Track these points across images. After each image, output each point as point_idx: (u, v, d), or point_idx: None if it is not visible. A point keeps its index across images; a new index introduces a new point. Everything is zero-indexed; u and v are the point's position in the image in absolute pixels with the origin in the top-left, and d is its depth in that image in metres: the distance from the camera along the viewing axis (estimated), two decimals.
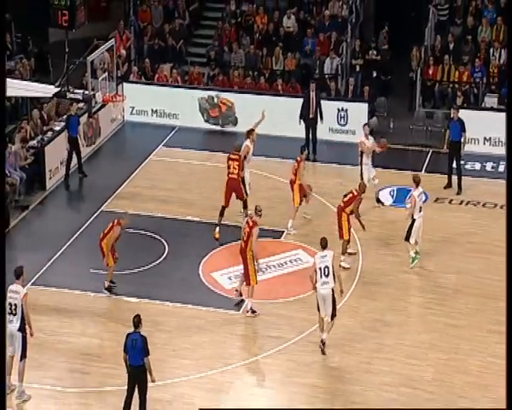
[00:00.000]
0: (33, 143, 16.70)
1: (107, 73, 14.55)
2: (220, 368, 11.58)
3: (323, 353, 11.83)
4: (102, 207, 15.76)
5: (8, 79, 15.05)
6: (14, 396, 10.87)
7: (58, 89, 14.03)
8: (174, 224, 15.14)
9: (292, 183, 15.17)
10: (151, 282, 13.56)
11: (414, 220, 13.62)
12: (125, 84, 18.88)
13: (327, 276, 11.72)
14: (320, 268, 11.78)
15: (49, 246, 14.39)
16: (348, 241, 13.84)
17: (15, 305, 10.69)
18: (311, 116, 17.79)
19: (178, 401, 11.01)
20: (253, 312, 12.66)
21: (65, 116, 17.17)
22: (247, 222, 12.82)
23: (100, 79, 14.32)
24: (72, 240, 14.63)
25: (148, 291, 13.20)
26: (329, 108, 18.52)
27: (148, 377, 10.26)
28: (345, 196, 13.94)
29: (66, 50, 13.97)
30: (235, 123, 18.99)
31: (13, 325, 10.74)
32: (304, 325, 12.46)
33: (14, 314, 10.70)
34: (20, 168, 15.86)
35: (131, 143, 19.00)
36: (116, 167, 17.31)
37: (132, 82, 19.56)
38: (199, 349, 11.95)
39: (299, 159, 15.23)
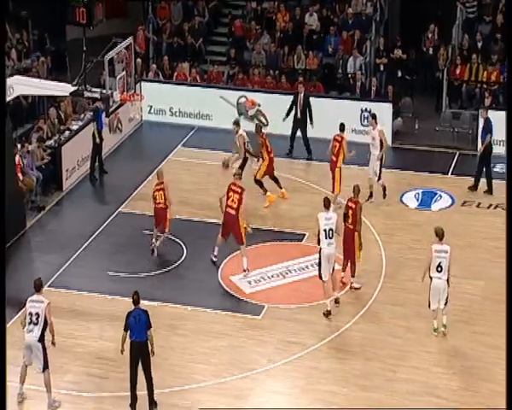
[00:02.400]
0: (50, 142, 16.92)
1: (125, 72, 14.65)
2: (239, 374, 11.67)
3: (328, 315, 12.47)
4: (120, 209, 15.92)
5: (24, 78, 15.35)
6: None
7: (75, 87, 14.15)
8: (193, 226, 15.27)
9: (333, 166, 15.19)
10: (169, 285, 13.69)
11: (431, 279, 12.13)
12: (143, 82, 19.10)
13: (331, 238, 12.62)
14: (325, 230, 12.53)
15: (66, 247, 14.57)
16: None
17: (37, 314, 10.70)
18: (298, 117, 17.79)
19: (197, 407, 11.11)
20: (248, 270, 13.51)
21: (92, 107, 17.36)
22: (233, 189, 13.54)
23: (118, 77, 14.44)
24: (89, 241, 14.80)
25: (166, 294, 13.32)
26: (352, 108, 18.58)
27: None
28: (346, 216, 13.03)
29: (84, 48, 14.08)
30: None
31: (33, 335, 10.72)
32: (325, 331, 12.53)
33: (36, 324, 10.70)
34: (36, 168, 16.07)
35: (149, 143, 19.16)
36: (134, 168, 17.47)
37: (150, 81, 19.75)
38: (217, 354, 12.05)
39: (339, 138, 15.29)
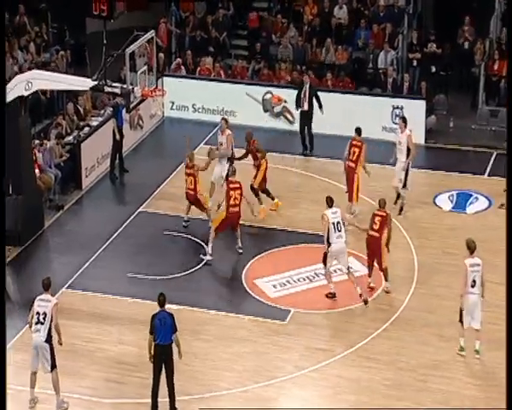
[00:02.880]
0: (69, 139, 17.07)
1: (146, 66, 14.75)
2: (264, 382, 11.68)
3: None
4: (141, 208, 16.02)
5: (43, 72, 15.51)
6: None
7: (95, 82, 14.25)
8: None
9: (351, 173, 15.11)
10: (191, 288, 13.74)
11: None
12: (165, 77, 19.21)
13: (340, 230, 13.06)
14: (333, 223, 13.02)
15: (85, 248, 14.69)
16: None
17: (45, 313, 10.77)
18: (304, 109, 17.89)
19: None
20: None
21: (112, 103, 17.51)
22: (232, 187, 14.01)
23: (139, 72, 14.52)
24: (108, 242, 14.91)
25: (189, 298, 13.38)
26: (384, 105, 18.52)
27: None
28: (373, 224, 13.09)
29: (104, 42, 14.14)
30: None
31: (40, 335, 10.79)
32: (354, 338, 12.50)
33: (42, 323, 10.77)
34: (55, 166, 16.24)
35: (171, 141, 19.25)
36: (155, 166, 17.57)
37: (173, 76, 19.86)
38: (241, 361, 12.08)
39: (359, 143, 15.21)
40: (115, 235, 15.12)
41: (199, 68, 20.25)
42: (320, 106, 17.93)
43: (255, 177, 15.64)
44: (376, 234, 13.22)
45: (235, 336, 12.59)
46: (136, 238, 15.03)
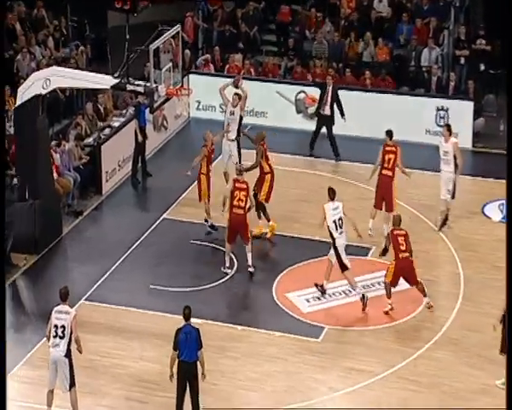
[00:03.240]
0: (89, 140, 17.20)
1: (171, 63, 14.82)
2: (295, 403, 11.62)
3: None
4: (164, 215, 16.06)
5: (62, 69, 15.66)
6: None
7: (117, 80, 14.33)
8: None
9: (388, 181, 14.97)
10: (218, 301, 13.74)
11: None
12: (191, 75, 19.29)
13: (341, 226, 13.41)
14: (334, 221, 13.35)
15: (105, 257, 14.76)
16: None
17: (63, 327, 10.78)
18: (325, 112, 17.83)
19: None
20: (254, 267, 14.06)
21: (134, 102, 17.69)
22: (238, 187, 13.90)
23: (163, 69, 14.60)
24: (130, 251, 14.96)
25: (215, 312, 13.38)
26: (427, 106, 18.41)
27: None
28: (400, 246, 13.07)
29: (127, 37, 14.21)
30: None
31: (59, 350, 10.81)
32: (395, 358, 12.41)
33: (62, 337, 10.78)
34: (73, 169, 16.35)
35: (197, 143, 19.25)
36: (180, 170, 17.62)
37: (199, 73, 19.94)
38: (271, 381, 12.04)
39: (393, 148, 15.01)
40: (137, 243, 15.17)
41: (227, 66, 20.31)
42: (342, 113, 17.77)
43: (260, 188, 15.07)
44: (407, 254, 13.16)
45: (265, 354, 12.55)
46: (159, 247, 15.07)
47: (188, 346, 10.69)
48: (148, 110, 17.13)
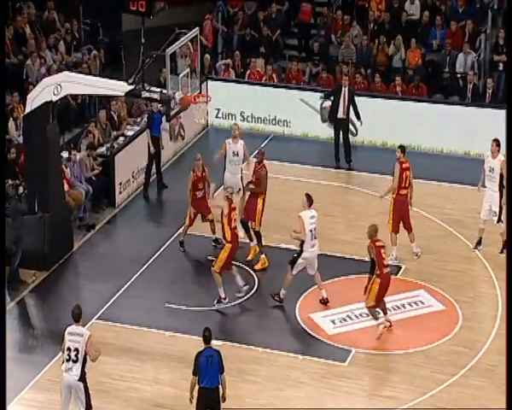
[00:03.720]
0: (101, 150, 17.35)
1: (189, 69, 14.94)
2: None
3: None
4: (181, 230, 16.01)
5: (74, 74, 15.83)
6: None
7: (132, 86, 14.45)
8: (266, 252, 15.36)
9: (405, 201, 14.87)
10: (238, 321, 13.82)
11: None
12: (209, 81, 19.43)
13: (315, 238, 13.67)
14: (311, 230, 13.58)
15: (118, 274, 14.87)
16: None
17: (77, 350, 10.78)
18: (341, 116, 17.91)
19: None
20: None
21: (147, 112, 17.81)
22: (233, 207, 13.87)
23: (181, 75, 14.72)
24: (144, 267, 15.07)
25: (235, 333, 13.45)
26: (462, 114, 18.40)
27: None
28: (383, 260, 13.16)
29: (143, 41, 14.31)
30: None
31: (72, 374, 10.84)
32: (426, 384, 12.39)
33: (75, 361, 10.79)
34: (85, 180, 16.50)
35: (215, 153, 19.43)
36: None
37: (219, 79, 20.08)
38: (293, 407, 12.06)
39: (408, 164, 14.89)
40: (152, 259, 15.27)
41: (248, 71, 20.44)
42: (358, 116, 17.90)
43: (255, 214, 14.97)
44: (389, 269, 13.27)
45: (288, 378, 12.58)
46: (174, 263, 15.18)
47: (209, 371, 10.61)
48: (163, 119, 17.23)
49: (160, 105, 16.89)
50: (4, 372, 10.65)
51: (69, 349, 10.84)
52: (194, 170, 15.53)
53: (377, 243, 13.18)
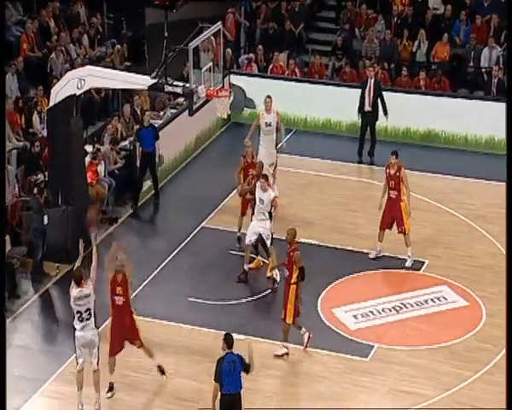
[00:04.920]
0: (124, 144, 17.38)
1: (211, 63, 14.91)
2: None
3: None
4: (203, 223, 16.16)
5: (97, 68, 15.87)
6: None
7: (155, 80, 14.46)
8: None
9: (395, 202, 14.64)
10: (260, 316, 13.79)
11: None
12: (232, 76, 19.41)
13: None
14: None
15: (141, 267, 14.74)
16: None
17: (88, 309, 11.14)
18: (367, 109, 17.78)
19: None
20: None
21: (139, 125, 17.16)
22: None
23: (203, 69, 14.70)
24: (167, 261, 15.08)
25: (256, 327, 13.42)
26: (487, 110, 18.26)
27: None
28: (290, 278, 12.78)
29: (166, 35, 14.31)
30: None
31: (90, 330, 11.16)
32: (449, 381, 12.32)
33: (89, 319, 11.17)
34: (108, 174, 16.54)
35: (238, 147, 19.39)
36: (220, 175, 17.70)
37: (241, 74, 20.04)
38: (314, 402, 12.02)
39: (395, 166, 14.62)
40: (174, 253, 15.28)
41: (271, 65, 20.38)
42: (385, 111, 17.76)
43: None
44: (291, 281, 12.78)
45: (310, 373, 12.56)
46: (197, 257, 15.18)
47: (232, 377, 10.43)
48: (155, 133, 16.50)
49: (151, 119, 16.83)
50: (4, 370, 10.70)
51: (79, 312, 11.06)
52: (245, 156, 15.52)
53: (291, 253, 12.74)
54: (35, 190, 14.66)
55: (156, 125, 17.44)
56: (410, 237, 14.83)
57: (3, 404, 10.30)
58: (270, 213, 14.20)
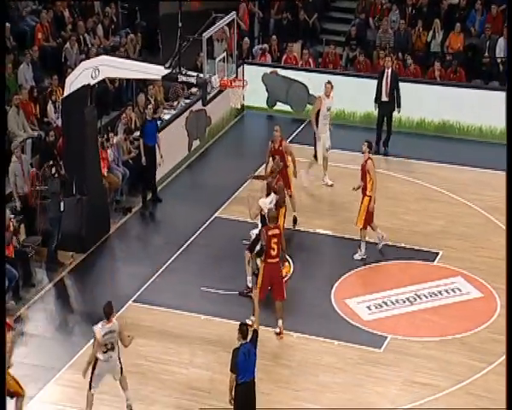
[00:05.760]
0: (138, 134, 17.36)
1: (225, 53, 14.87)
2: None
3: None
4: (217, 213, 16.14)
5: (111, 58, 15.83)
6: None
7: (168, 70, 14.42)
8: (302, 237, 15.30)
9: (363, 193, 14.53)
10: (273, 306, 13.73)
11: None
12: (246, 66, 19.35)
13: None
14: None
15: (154, 257, 14.89)
16: None
17: (112, 343, 11.11)
18: (384, 99, 17.74)
19: None
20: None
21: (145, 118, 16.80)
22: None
23: (217, 59, 14.65)
24: (180, 251, 15.07)
25: (270, 317, 13.39)
26: (502, 101, 18.12)
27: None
28: (271, 250, 12.67)
29: (180, 25, 14.25)
30: None
31: (113, 360, 11.15)
32: (463, 372, 12.28)
33: (113, 349, 11.13)
34: (122, 163, 16.52)
35: (252, 138, 19.38)
36: (233, 166, 17.69)
37: (255, 64, 19.98)
38: (328, 393, 12.01)
39: (365, 157, 14.52)
40: (188, 243, 15.28)
41: (285, 56, 20.31)
42: (399, 104, 17.71)
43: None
44: (276, 260, 12.72)
45: (322, 364, 12.54)
46: (211, 247, 15.16)
47: (248, 366, 10.47)
48: (158, 125, 16.37)
49: (153, 111, 16.72)
50: (4, 370, 10.61)
51: (106, 345, 11.07)
52: (273, 141, 15.56)
53: (269, 232, 12.68)
54: (54, 173, 14.50)
55: (163, 119, 17.45)
56: (423, 230, 14.73)
57: (3, 404, 10.31)
58: (263, 217, 13.70)
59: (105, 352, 11.12)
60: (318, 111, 16.59)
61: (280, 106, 19.68)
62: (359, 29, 20.79)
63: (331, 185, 16.71)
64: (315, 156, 16.76)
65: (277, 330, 13.01)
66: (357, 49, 20.43)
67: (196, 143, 18.28)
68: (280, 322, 13.00)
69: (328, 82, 16.60)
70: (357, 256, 14.63)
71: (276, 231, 12.79)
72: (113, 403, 11.64)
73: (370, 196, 14.39)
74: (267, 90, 19.51)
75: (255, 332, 10.82)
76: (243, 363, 10.45)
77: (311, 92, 19.07)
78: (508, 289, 10.96)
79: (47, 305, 13.87)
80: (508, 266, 11.08)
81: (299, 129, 19.00)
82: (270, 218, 12.99)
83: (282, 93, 19.38)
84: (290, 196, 15.32)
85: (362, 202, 14.50)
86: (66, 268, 14.66)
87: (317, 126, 16.57)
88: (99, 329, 11.02)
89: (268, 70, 19.82)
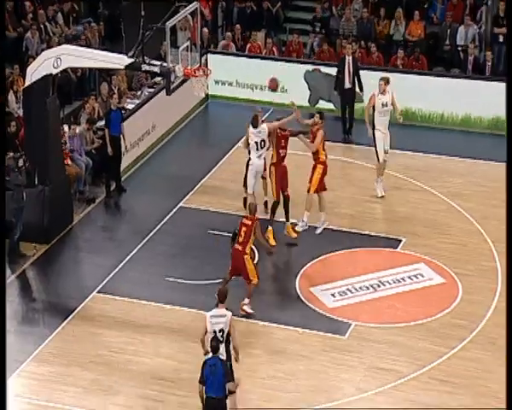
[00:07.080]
0: (101, 123, 17.20)
1: (189, 42, 14.79)
2: (320, 405, 11.61)
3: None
4: (181, 203, 16.07)
5: (73, 47, 15.67)
6: None
7: (132, 59, 14.33)
8: (266, 226, 15.24)
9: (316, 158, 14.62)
10: (238, 295, 13.68)
11: None
12: (209, 55, 19.25)
13: (262, 148, 14.54)
14: (256, 142, 14.48)
15: (118, 247, 14.82)
16: None
17: (222, 330, 10.84)
18: (347, 86, 17.78)
19: None
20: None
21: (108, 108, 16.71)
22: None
23: (181, 48, 14.57)
24: (145, 241, 14.98)
25: (234, 306, 13.30)
26: (463, 88, 18.27)
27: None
28: (236, 235, 13.09)
29: (142, 14, 14.19)
30: None
31: (219, 355, 10.60)
32: (426, 357, 12.34)
33: (221, 341, 10.80)
34: (85, 154, 16.37)
35: (216, 127, 19.32)
36: (197, 156, 17.63)
37: (218, 53, 19.90)
38: (294, 380, 12.04)
39: (316, 126, 14.57)
40: (152, 233, 15.19)
41: (248, 45, 20.24)
42: (361, 87, 17.80)
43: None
44: (240, 247, 12.96)
45: (288, 352, 12.55)
46: (176, 237, 15.10)
47: (213, 380, 10.26)
48: (122, 115, 16.24)
49: (118, 101, 16.55)
50: (4, 370, 10.58)
51: (215, 331, 10.81)
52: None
53: (243, 220, 13.06)
54: (21, 166, 14.32)
55: (128, 108, 17.27)
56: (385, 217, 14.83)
57: (3, 404, 10.18)
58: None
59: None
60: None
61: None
62: (323, 17, 20.74)
63: (381, 197, 15.90)
64: (377, 158, 15.94)
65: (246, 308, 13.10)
66: (322, 34, 20.30)
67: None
68: (246, 300, 13.12)
69: (382, 78, 15.95)
70: (298, 228, 14.62)
71: (248, 223, 12.96)
72: (78, 394, 11.52)
73: (324, 163, 14.49)
74: (309, 88, 19.04)
75: (229, 365, 10.86)
76: (208, 375, 10.29)
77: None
78: (508, 286, 10.96)
79: (9, 297, 13.68)
80: (508, 263, 11.16)
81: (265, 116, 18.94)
82: (249, 209, 13.16)
83: (325, 91, 19.03)
84: (263, 178, 15.23)
85: (315, 169, 14.59)
86: (28, 259, 14.51)
87: (374, 124, 15.80)
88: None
89: (231, 58, 19.70)
